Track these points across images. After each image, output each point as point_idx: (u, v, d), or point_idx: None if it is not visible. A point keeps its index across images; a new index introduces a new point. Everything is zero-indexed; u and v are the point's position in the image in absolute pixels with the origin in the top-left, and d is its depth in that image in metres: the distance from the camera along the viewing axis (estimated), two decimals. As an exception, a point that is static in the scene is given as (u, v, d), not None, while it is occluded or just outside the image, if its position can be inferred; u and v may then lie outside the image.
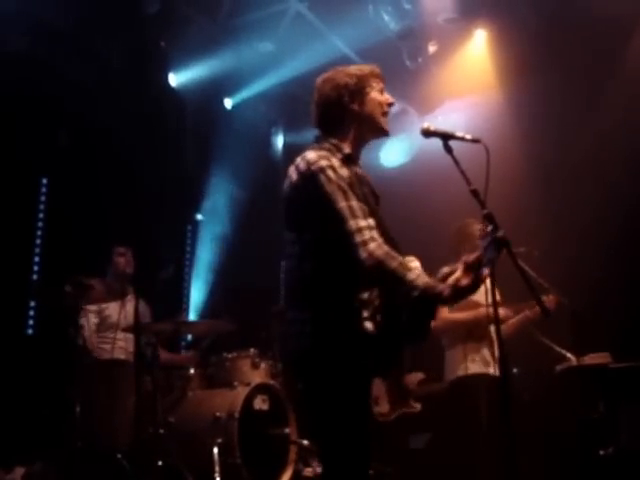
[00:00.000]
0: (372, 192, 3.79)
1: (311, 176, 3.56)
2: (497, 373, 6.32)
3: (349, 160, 3.71)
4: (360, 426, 3.54)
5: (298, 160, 3.67)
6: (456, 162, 3.64)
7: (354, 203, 3.49)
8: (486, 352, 6.44)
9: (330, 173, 3.54)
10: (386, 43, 9.00)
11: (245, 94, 9.83)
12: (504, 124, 9.01)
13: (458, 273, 3.30)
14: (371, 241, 3.41)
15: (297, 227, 3.64)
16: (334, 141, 3.77)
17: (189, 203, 9.66)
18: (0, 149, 7.03)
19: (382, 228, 3.61)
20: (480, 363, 6.40)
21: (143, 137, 8.42)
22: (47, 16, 7.59)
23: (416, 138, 3.93)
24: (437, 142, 3.74)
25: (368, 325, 3.52)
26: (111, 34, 8.22)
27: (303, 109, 10.69)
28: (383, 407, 3.86)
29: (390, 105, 3.87)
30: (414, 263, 3.57)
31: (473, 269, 3.28)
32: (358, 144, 3.86)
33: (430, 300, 3.34)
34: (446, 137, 3.71)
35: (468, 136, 3.72)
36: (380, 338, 3.52)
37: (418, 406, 4.10)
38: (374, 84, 3.85)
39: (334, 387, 3.55)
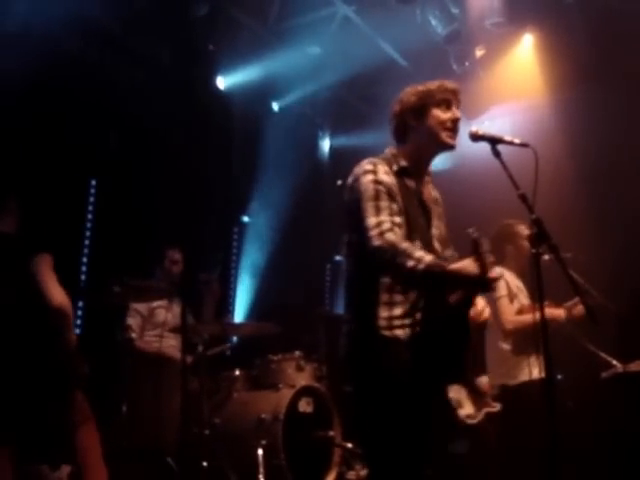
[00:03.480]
0: (422, 205, 3.84)
1: (354, 179, 3.71)
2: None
3: (402, 172, 3.78)
4: (401, 430, 3.53)
5: None
6: (504, 166, 3.66)
7: (382, 203, 3.57)
8: (541, 357, 6.32)
9: (369, 176, 3.65)
10: (433, 47, 9.01)
11: (292, 97, 9.88)
12: (551, 129, 8.95)
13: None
14: (388, 231, 3.47)
15: (346, 228, 3.73)
16: (395, 152, 3.87)
17: (236, 205, 9.71)
18: (50, 150, 7.10)
19: (422, 237, 3.67)
20: (538, 368, 6.27)
21: (191, 139, 8.49)
22: (98, 18, 7.68)
23: (463, 142, 3.90)
24: (485, 146, 3.75)
25: (399, 332, 3.56)
26: (160, 36, 8.31)
27: (350, 112, 10.77)
28: (468, 409, 3.86)
29: (455, 121, 3.83)
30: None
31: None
32: (421, 157, 3.90)
33: (433, 276, 3.33)
34: (494, 141, 3.73)
35: (517, 140, 3.74)
36: (412, 344, 3.55)
37: (498, 405, 4.14)
38: (440, 99, 3.82)
39: (371, 389, 3.60)
